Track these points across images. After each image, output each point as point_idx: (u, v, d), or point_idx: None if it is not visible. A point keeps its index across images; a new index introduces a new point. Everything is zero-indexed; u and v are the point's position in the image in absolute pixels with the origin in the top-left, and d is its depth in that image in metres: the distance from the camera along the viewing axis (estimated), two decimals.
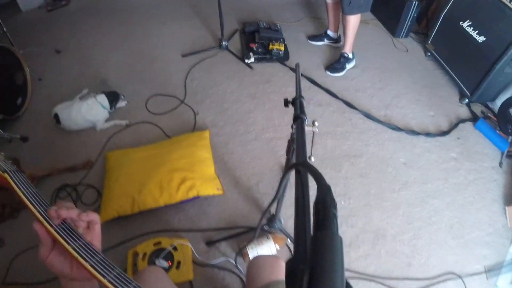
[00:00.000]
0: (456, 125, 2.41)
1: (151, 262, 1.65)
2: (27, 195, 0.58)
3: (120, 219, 1.84)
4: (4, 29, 2.59)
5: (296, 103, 1.03)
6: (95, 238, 0.60)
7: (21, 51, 2.47)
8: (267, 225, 1.72)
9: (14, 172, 0.62)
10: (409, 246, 1.82)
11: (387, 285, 1.68)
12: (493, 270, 1.75)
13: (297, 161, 0.75)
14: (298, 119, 0.93)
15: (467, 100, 2.55)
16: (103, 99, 2.32)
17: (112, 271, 0.53)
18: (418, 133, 2.35)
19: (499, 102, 2.35)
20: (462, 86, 2.56)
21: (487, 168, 2.18)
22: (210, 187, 1.89)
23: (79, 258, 0.53)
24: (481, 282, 1.72)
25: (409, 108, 2.54)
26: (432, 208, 1.98)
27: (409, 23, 3.07)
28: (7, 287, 1.65)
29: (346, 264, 1.74)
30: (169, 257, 1.67)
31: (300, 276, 0.35)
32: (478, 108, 2.54)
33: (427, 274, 1.73)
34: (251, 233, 1.77)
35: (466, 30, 2.45)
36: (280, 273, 1.03)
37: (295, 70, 1.21)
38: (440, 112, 2.53)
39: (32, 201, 0.58)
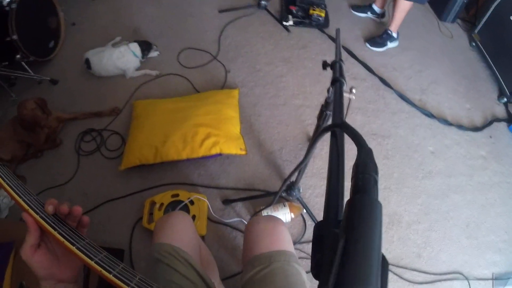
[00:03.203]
0: (490, 123, 2.33)
1: (167, 212, 1.67)
2: (13, 187, 0.57)
3: (141, 167, 1.86)
4: None
5: (336, 66, 0.99)
6: None
7: None
8: (285, 192, 1.72)
9: None
10: (422, 237, 1.81)
11: (394, 272, 1.68)
12: (500, 278, 1.73)
13: (334, 122, 0.72)
14: (337, 82, 0.91)
15: (505, 99, 2.44)
16: (135, 47, 2.30)
17: (99, 254, 0.53)
18: (450, 124, 2.27)
19: None
20: (503, 83, 2.45)
21: None
22: (233, 146, 1.88)
23: (66, 242, 0.52)
24: None
25: (446, 96, 2.45)
26: (451, 202, 1.94)
27: (458, 8, 2.90)
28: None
29: None
30: (185, 210, 1.69)
31: (334, 241, 0.34)
32: None
33: (435, 269, 1.72)
34: (268, 198, 1.78)
35: None
36: (282, 242, 0.99)
37: (336, 34, 1.17)
38: (476, 106, 2.43)
39: (18, 192, 0.57)
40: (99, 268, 0.51)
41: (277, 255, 0.94)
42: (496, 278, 1.73)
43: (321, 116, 1.22)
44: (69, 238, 0.53)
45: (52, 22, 2.38)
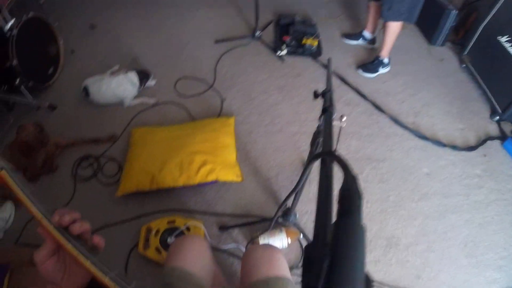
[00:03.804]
0: (484, 142, 2.34)
1: (163, 239, 1.68)
2: (26, 193, 0.58)
3: (138, 194, 1.88)
4: (41, 1, 2.65)
5: (326, 96, 1.03)
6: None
7: (56, 23, 2.51)
8: (281, 218, 1.73)
9: (11, 170, 0.60)
10: (421, 258, 1.79)
11: None
12: None
13: (323, 151, 0.75)
14: (327, 112, 0.94)
15: (498, 117, 2.46)
16: (133, 76, 2.36)
17: (112, 271, 0.54)
18: (444, 145, 2.29)
19: None
20: (494, 102, 2.47)
21: (510, 190, 2.11)
22: (229, 173, 1.91)
23: (80, 256, 0.53)
24: None
25: (439, 118, 2.48)
26: (449, 223, 1.93)
27: (446, 31, 2.97)
28: (19, 248, 1.71)
29: None
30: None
31: (320, 262, 0.35)
32: (508, 127, 2.45)
33: None
34: (265, 223, 1.78)
35: (503, 45, 2.35)
36: (278, 268, 1.00)
37: (327, 64, 1.21)
38: (469, 126, 2.45)
39: (31, 200, 0.58)
40: (113, 284, 0.52)
41: (274, 281, 0.95)
42: None
43: (314, 143, 1.25)
44: (84, 252, 0.54)
45: (51, 49, 2.47)
